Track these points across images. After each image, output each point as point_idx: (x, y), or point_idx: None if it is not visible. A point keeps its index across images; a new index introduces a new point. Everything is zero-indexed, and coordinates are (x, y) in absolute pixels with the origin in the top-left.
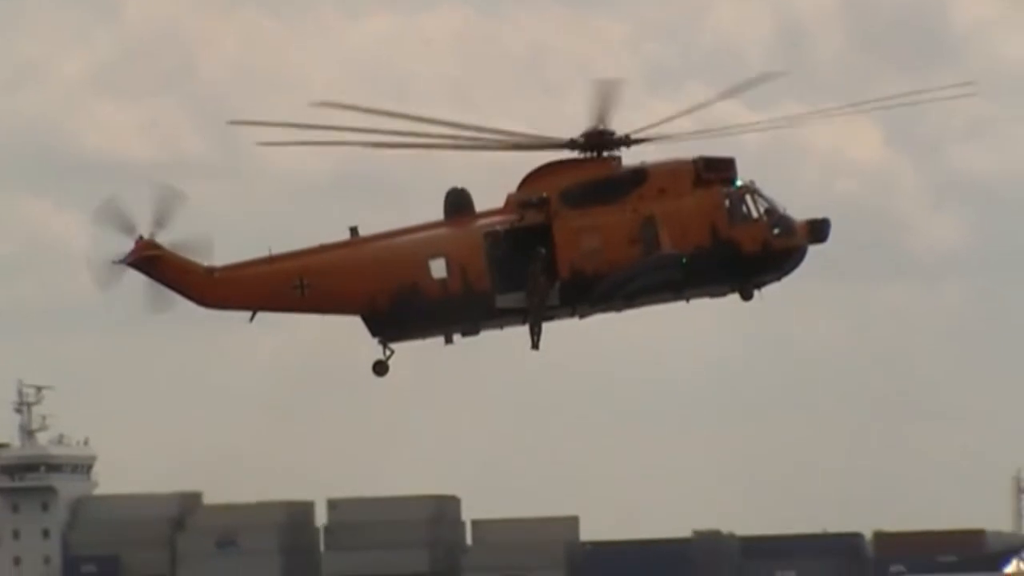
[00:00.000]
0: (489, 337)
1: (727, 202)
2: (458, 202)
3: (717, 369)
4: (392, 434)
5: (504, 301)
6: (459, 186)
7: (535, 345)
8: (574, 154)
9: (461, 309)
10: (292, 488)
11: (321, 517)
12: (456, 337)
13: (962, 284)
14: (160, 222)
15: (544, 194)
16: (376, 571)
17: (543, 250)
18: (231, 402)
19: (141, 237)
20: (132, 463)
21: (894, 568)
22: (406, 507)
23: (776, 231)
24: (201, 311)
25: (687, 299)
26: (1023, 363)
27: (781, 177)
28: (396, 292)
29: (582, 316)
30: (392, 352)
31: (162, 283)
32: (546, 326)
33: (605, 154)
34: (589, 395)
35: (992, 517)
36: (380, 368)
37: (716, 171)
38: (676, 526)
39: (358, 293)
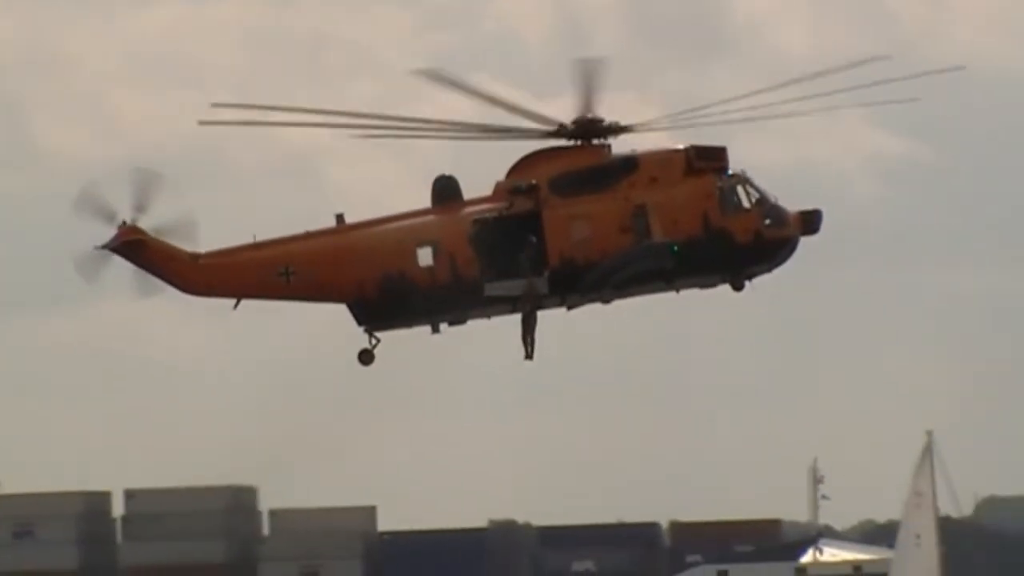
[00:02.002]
0: (293, 319)
1: (719, 191)
2: (446, 189)
3: (515, 358)
4: (188, 423)
5: (493, 289)
6: (447, 173)
7: (529, 355)
8: (562, 142)
9: (449, 298)
10: (89, 478)
11: (118, 507)
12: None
13: None
14: (140, 207)
15: (533, 181)
16: (173, 561)
17: (534, 239)
18: (28, 390)
19: (124, 222)
20: None
21: (691, 558)
22: (203, 497)
23: (768, 221)
24: None
25: (677, 289)
26: (817, 351)
27: None
28: (383, 280)
29: (571, 307)
30: (378, 341)
31: (146, 269)
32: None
33: (595, 142)
34: (386, 384)
35: (789, 507)
36: (366, 357)
37: (708, 160)
38: (472, 516)
39: (344, 281)
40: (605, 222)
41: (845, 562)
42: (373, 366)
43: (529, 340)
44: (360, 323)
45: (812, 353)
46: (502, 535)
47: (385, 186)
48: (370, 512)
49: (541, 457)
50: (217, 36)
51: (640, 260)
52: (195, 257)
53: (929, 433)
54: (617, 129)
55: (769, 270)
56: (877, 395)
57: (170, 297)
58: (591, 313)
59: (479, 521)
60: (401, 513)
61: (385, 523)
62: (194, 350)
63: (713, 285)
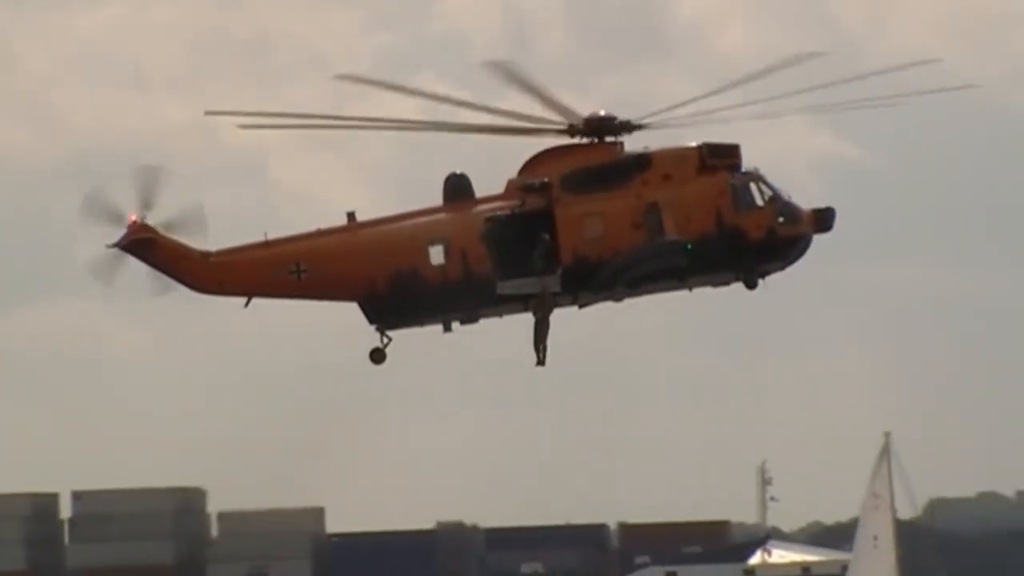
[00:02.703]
0: (243, 320)
1: (732, 189)
2: (458, 187)
3: (461, 359)
4: (136, 424)
5: (505, 288)
6: (458, 171)
7: (541, 361)
8: (574, 140)
9: (461, 296)
10: (37, 479)
11: (66, 509)
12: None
13: None
14: (146, 204)
15: (546, 179)
16: (121, 563)
17: (546, 237)
18: None
19: (134, 220)
20: None
21: (639, 559)
22: (151, 499)
23: (781, 219)
24: None
25: (690, 287)
26: (766, 353)
27: None
28: (394, 278)
29: (582, 305)
30: (389, 340)
31: (156, 267)
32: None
33: (607, 139)
34: (333, 384)
35: (737, 508)
36: (377, 356)
37: (721, 157)
38: (421, 518)
39: (356, 279)
40: (618, 220)
41: (793, 563)
42: (318, 369)
43: (541, 347)
44: (371, 322)
45: (761, 355)
46: (450, 537)
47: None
48: (319, 514)
49: (489, 459)
50: (161, 36)
51: (653, 258)
52: (206, 255)
53: (887, 435)
54: (629, 126)
55: (782, 268)
56: (824, 398)
57: (117, 298)
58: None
59: (427, 523)
60: (350, 515)
61: (334, 525)
62: (143, 352)
63: (726, 283)
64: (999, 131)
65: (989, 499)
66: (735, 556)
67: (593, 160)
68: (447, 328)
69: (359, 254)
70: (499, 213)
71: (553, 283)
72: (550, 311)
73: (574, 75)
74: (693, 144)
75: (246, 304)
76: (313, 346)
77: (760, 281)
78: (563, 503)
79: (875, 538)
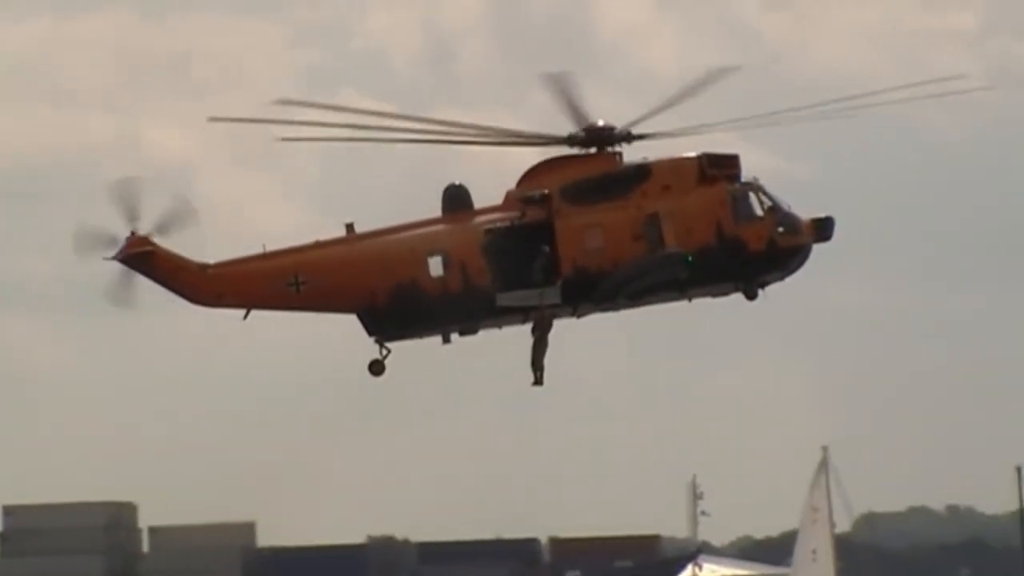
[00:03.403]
0: (173, 339)
1: (732, 199)
2: (457, 198)
3: (390, 373)
4: (67, 439)
5: (505, 300)
6: (457, 182)
7: (539, 381)
8: (573, 150)
9: (461, 308)
10: None
11: None
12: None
13: None
14: (132, 216)
15: (545, 190)
16: None
17: (546, 248)
18: None
19: (133, 233)
20: None
21: (570, 573)
22: (82, 513)
23: (781, 229)
24: None
25: (690, 299)
26: (697, 368)
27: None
28: (394, 290)
29: (581, 315)
30: (388, 352)
31: (154, 280)
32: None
33: (606, 150)
34: (264, 398)
35: (668, 522)
36: (376, 368)
37: (721, 167)
38: (351, 532)
39: (355, 290)
40: (618, 231)
41: None
42: (258, 382)
43: (539, 366)
44: (370, 333)
45: (694, 369)
46: (381, 551)
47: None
48: (249, 528)
49: (420, 473)
50: (84, 52)
51: (655, 270)
52: (204, 267)
53: (825, 449)
54: (629, 137)
55: (782, 278)
56: (754, 412)
57: (45, 312)
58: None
59: (358, 537)
60: (280, 529)
61: (264, 539)
62: (72, 366)
63: (726, 294)
64: (927, 146)
65: (919, 514)
66: (666, 571)
67: (593, 171)
68: (446, 340)
69: (358, 266)
70: (499, 225)
71: (553, 295)
72: (548, 330)
73: (502, 91)
74: (692, 154)
75: (245, 316)
76: (243, 360)
77: (760, 291)
78: (494, 517)
79: (814, 552)
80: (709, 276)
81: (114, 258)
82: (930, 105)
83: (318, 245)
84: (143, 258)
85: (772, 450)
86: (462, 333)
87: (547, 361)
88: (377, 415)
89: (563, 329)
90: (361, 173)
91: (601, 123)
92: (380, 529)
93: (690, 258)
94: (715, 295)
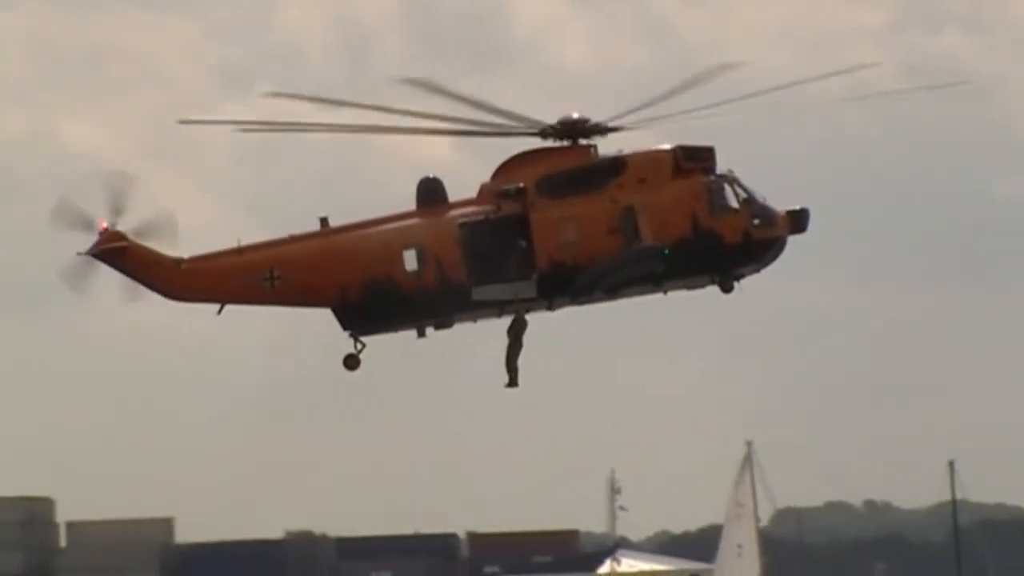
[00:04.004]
0: (88, 334)
1: (707, 192)
2: (431, 191)
3: (307, 369)
4: None
5: (480, 293)
6: (431, 175)
7: (514, 382)
8: (548, 142)
9: (436, 302)
10: None
11: None
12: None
13: None
14: (116, 210)
15: (521, 184)
16: None
17: (522, 242)
18: None
19: (106, 228)
20: None
21: (488, 569)
22: None
23: (756, 221)
24: None
25: (665, 291)
26: (617, 362)
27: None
28: (369, 284)
29: (554, 309)
30: (363, 346)
31: (127, 275)
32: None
33: (581, 142)
34: (181, 394)
35: (586, 518)
36: (351, 362)
37: (696, 160)
38: (270, 527)
39: (329, 285)
40: (593, 224)
41: (642, 573)
42: (174, 378)
43: (513, 367)
44: (345, 328)
45: (614, 364)
46: (299, 546)
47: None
48: (167, 523)
49: (338, 468)
50: None
51: (632, 264)
52: (178, 262)
53: (749, 444)
54: (603, 129)
55: (758, 270)
56: (672, 408)
57: None
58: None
59: (276, 532)
60: (199, 524)
61: (183, 534)
62: None
63: (702, 286)
64: (846, 141)
65: (837, 509)
66: (584, 565)
67: (568, 164)
68: (421, 334)
69: (333, 260)
70: (474, 218)
71: (528, 289)
72: (523, 330)
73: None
74: (667, 147)
75: (219, 311)
76: (159, 356)
77: (736, 284)
78: (413, 512)
79: (739, 546)
80: (685, 269)
81: (87, 253)
82: (849, 102)
83: (293, 239)
84: (116, 253)
85: (690, 445)
86: (437, 327)
87: (468, 357)
88: (294, 411)
89: (485, 325)
90: (274, 166)
91: (575, 115)
92: (298, 524)
93: (667, 251)
94: (691, 288)
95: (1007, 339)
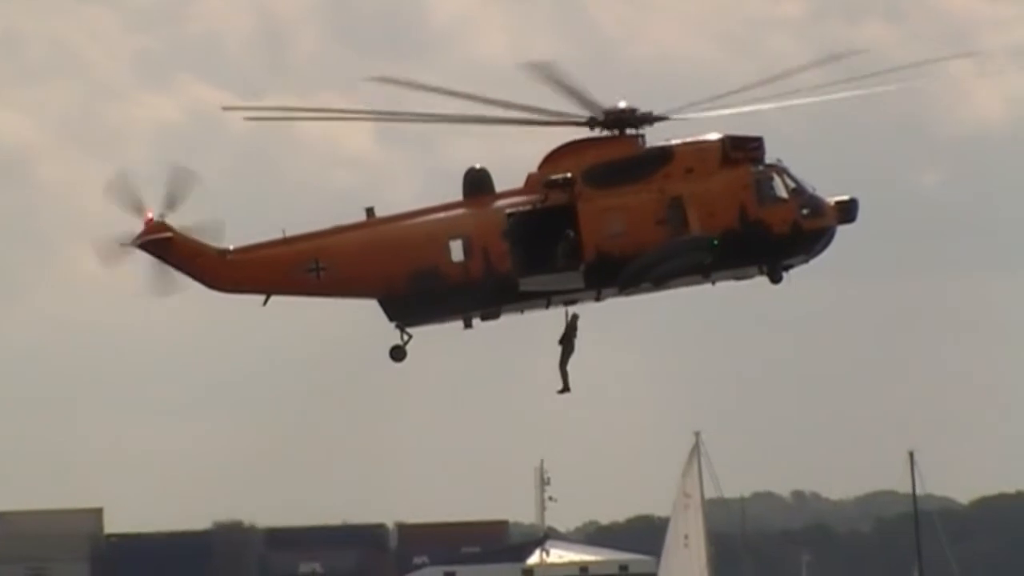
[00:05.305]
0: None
1: (755, 182)
2: (478, 181)
3: (229, 358)
4: None
5: (528, 284)
6: (478, 165)
7: (567, 387)
8: (594, 132)
9: (482, 292)
10: None
11: None
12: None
13: None
14: (171, 203)
15: (568, 174)
16: None
17: (570, 232)
18: None
19: (151, 218)
20: None
21: (418, 559)
22: None
23: (805, 211)
24: None
25: (713, 282)
26: (546, 353)
27: None
28: (415, 275)
29: (601, 299)
30: (410, 337)
31: (173, 266)
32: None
33: (628, 132)
34: (111, 384)
35: (515, 508)
36: (398, 353)
37: (744, 150)
38: (199, 518)
39: (375, 276)
40: (641, 214)
41: (572, 563)
42: (89, 370)
43: (566, 372)
44: (391, 319)
45: (540, 355)
46: (228, 537)
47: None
48: (97, 514)
49: (266, 458)
50: None
51: (680, 255)
52: (223, 253)
53: (697, 434)
54: (651, 118)
55: (807, 260)
56: (600, 398)
57: None
58: (317, 314)
59: (204, 523)
60: (128, 515)
61: (112, 525)
62: None
63: (750, 277)
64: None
65: (764, 499)
66: (513, 556)
67: (615, 154)
68: (467, 324)
69: (379, 251)
70: (521, 208)
71: (576, 280)
72: (575, 335)
73: (334, 76)
74: (715, 136)
75: (264, 302)
76: (88, 344)
77: (784, 275)
78: (342, 503)
79: (686, 537)
80: (733, 259)
81: (132, 244)
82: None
83: (338, 230)
84: (161, 244)
85: (617, 437)
86: (484, 318)
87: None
88: (224, 401)
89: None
90: (190, 159)
91: (622, 105)
92: (227, 515)
93: (715, 242)
94: (739, 278)
95: (942, 330)
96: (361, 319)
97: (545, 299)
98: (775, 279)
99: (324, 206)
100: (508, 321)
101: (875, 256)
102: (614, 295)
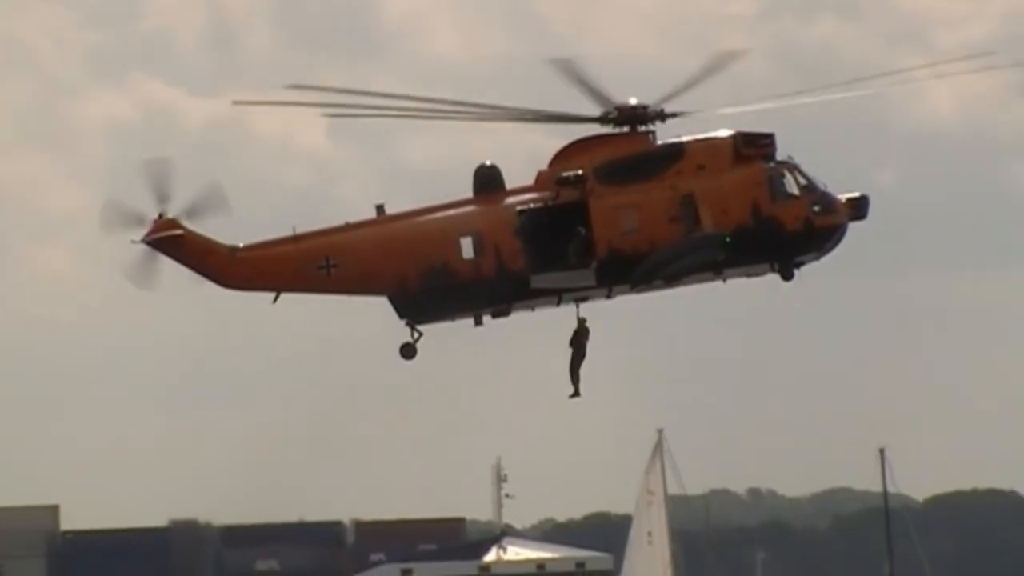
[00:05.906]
0: None
1: (768, 178)
2: (488, 178)
3: (197, 355)
4: None
5: (539, 281)
6: (488, 162)
7: (578, 392)
8: (606, 129)
9: (494, 290)
10: None
11: None
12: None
13: None
14: (162, 197)
15: (580, 171)
16: None
17: (582, 230)
18: None
19: (160, 216)
20: None
21: (375, 556)
22: None
23: (817, 208)
24: None
25: (725, 279)
26: (504, 350)
27: None
28: (426, 272)
29: (613, 297)
30: (420, 335)
31: (183, 263)
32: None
33: (640, 128)
34: (67, 381)
35: (472, 506)
36: (408, 351)
37: (756, 146)
38: (154, 515)
39: (386, 273)
40: (653, 211)
41: (528, 560)
42: (43, 364)
43: (577, 376)
44: (402, 316)
45: (496, 353)
46: (184, 534)
47: None
48: (53, 511)
49: (223, 455)
50: None
51: (693, 252)
52: (233, 250)
53: (660, 431)
54: (663, 115)
55: (818, 257)
56: (559, 396)
57: None
58: (277, 312)
59: (160, 520)
60: (84, 512)
61: (68, 522)
62: None
63: (762, 274)
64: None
65: (720, 496)
66: (470, 553)
67: (627, 150)
68: (478, 322)
69: (390, 248)
70: (532, 205)
71: (588, 277)
72: (586, 339)
73: (288, 74)
74: (727, 133)
75: (275, 300)
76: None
77: (796, 272)
78: (298, 500)
79: (649, 534)
80: (745, 256)
81: (142, 241)
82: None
83: (349, 227)
84: (171, 241)
85: (574, 434)
86: (495, 315)
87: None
88: (179, 397)
89: (373, 314)
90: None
91: (633, 101)
92: (183, 512)
93: (727, 238)
94: (751, 276)
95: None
96: (317, 319)
97: (556, 296)
98: (787, 276)
99: (278, 203)
100: (467, 320)
101: (836, 254)
102: (626, 293)
